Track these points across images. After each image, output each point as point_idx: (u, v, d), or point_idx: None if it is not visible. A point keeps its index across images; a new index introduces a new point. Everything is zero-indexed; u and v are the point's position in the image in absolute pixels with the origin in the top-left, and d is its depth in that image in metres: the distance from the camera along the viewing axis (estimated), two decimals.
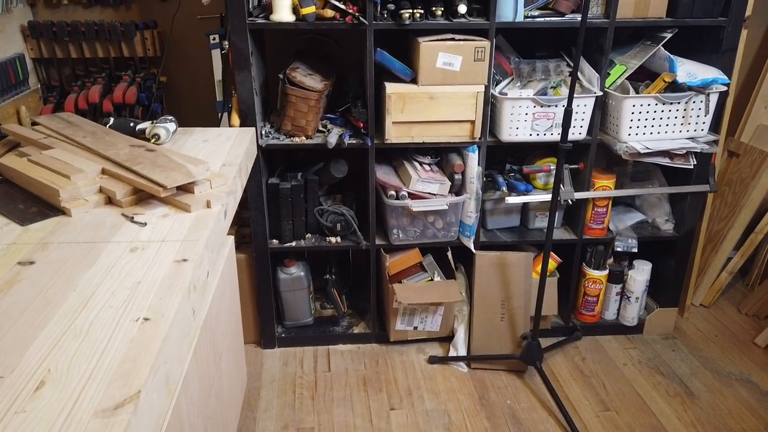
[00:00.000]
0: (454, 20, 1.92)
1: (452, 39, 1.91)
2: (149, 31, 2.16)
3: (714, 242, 2.58)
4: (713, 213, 2.58)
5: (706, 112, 1.94)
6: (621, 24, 1.95)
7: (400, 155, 2.21)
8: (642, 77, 2.16)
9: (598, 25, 1.95)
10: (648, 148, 1.97)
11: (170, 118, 1.62)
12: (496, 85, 2.11)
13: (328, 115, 2.14)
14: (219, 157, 1.50)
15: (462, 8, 1.89)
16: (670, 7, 1.96)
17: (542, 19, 1.94)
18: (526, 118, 2.01)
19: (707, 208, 2.43)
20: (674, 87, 1.99)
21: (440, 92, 1.96)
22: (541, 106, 1.99)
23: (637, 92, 2.04)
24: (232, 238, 1.51)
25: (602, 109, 2.07)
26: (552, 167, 2.21)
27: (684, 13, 1.95)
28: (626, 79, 2.06)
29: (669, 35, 1.97)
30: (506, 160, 2.33)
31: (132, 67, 2.21)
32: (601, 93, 2.00)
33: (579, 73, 2.07)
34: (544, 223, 2.33)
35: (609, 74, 2.04)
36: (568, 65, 2.10)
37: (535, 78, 2.05)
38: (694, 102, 1.98)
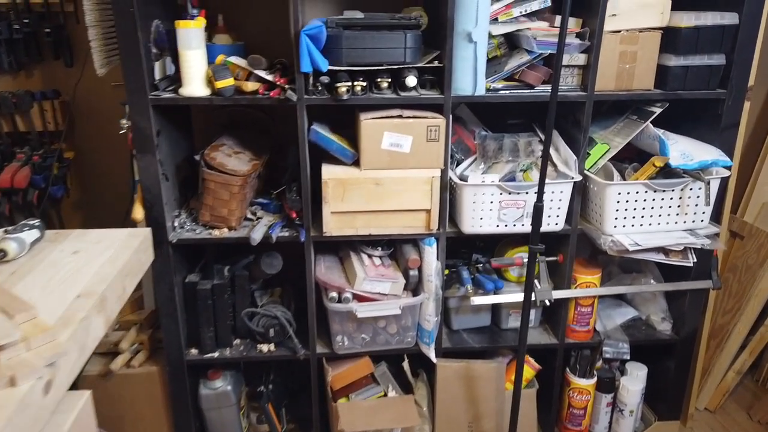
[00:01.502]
0: (402, 94, 1.61)
1: (399, 116, 1.60)
2: (49, 101, 1.84)
3: (719, 338, 2.23)
4: (717, 304, 2.24)
5: (707, 203, 1.62)
6: (601, 97, 1.64)
7: (347, 245, 1.87)
8: (630, 154, 1.85)
9: (573, 98, 1.64)
10: (637, 244, 1.64)
11: (32, 223, 1.28)
12: (457, 165, 1.79)
13: (260, 200, 1.81)
14: (79, 281, 1.15)
15: (411, 80, 1.58)
16: (659, 77, 1.66)
17: (507, 92, 1.63)
18: (491, 207, 1.68)
19: (710, 302, 2.08)
20: (668, 170, 1.67)
21: (388, 177, 1.63)
22: (509, 194, 1.66)
23: (623, 176, 1.72)
24: (87, 394, 1.14)
25: (583, 193, 1.75)
26: (526, 259, 1.86)
27: (675, 85, 1.65)
28: (610, 159, 1.75)
29: (658, 110, 1.66)
30: (474, 248, 1.99)
31: (31, 142, 1.88)
32: (579, 177, 1.67)
33: (554, 152, 1.76)
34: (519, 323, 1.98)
35: (589, 154, 1.73)
36: (542, 141, 1.79)
37: (501, 159, 1.73)
38: (691, 189, 1.66)
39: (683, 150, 1.67)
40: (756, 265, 2.14)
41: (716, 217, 1.78)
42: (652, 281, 1.96)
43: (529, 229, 1.70)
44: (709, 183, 1.59)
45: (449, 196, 1.72)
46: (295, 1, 1.46)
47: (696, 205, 1.67)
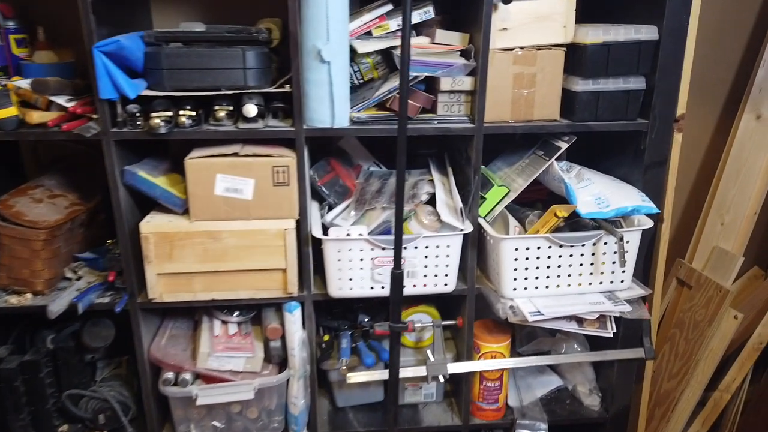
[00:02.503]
0: (242, 126, 1.28)
1: (235, 154, 1.27)
2: None
3: (664, 406, 1.89)
4: (661, 365, 1.91)
5: (622, 263, 1.29)
6: (493, 130, 1.33)
7: (202, 307, 1.53)
8: (542, 195, 1.54)
9: (457, 132, 1.33)
10: (540, 313, 1.31)
11: None
12: (329, 210, 1.46)
13: (86, 255, 1.47)
14: None
15: (250, 109, 1.26)
16: (566, 105, 1.35)
17: (372, 126, 1.31)
18: (361, 265, 1.35)
19: (653, 365, 1.76)
20: (577, 221, 1.35)
21: (227, 230, 1.31)
22: (382, 249, 1.34)
23: (523, 225, 1.40)
24: None
25: (479, 246, 1.42)
26: (420, 323, 1.54)
27: (585, 115, 1.34)
28: (516, 202, 1.43)
29: (564, 146, 1.35)
30: (369, 305, 1.65)
31: None
32: (469, 228, 1.35)
33: (446, 195, 1.44)
34: (419, 398, 1.64)
35: (485, 199, 1.41)
36: (444, 176, 1.47)
37: (377, 204, 1.40)
38: (606, 243, 1.34)
39: (598, 194, 1.35)
40: (705, 322, 1.82)
41: (644, 274, 1.46)
42: (576, 346, 1.64)
43: (413, 291, 1.39)
44: (622, 239, 1.27)
45: (314, 251, 1.39)
46: (86, 7, 1.14)
47: (614, 262, 1.35)
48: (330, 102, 1.27)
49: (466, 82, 1.31)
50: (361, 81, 1.40)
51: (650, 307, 1.54)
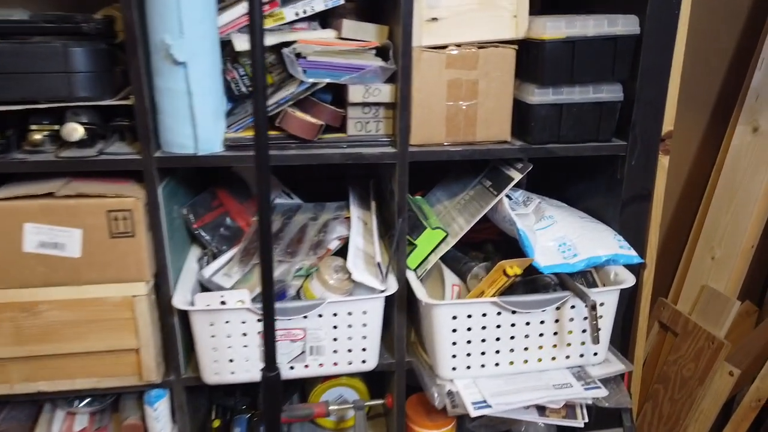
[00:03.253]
0: (64, 155, 0.91)
1: (50, 195, 0.90)
2: None
3: None
4: (642, 428, 1.59)
5: (595, 339, 0.95)
6: (422, 156, 0.98)
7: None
8: (492, 234, 1.20)
9: (373, 159, 0.97)
10: (485, 404, 0.97)
11: None
12: (213, 259, 1.10)
13: None
14: None
15: (72, 131, 0.88)
16: (519, 123, 1.01)
17: (253, 152, 0.95)
18: (245, 342, 0.98)
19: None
20: (536, 277, 1.01)
21: (47, 300, 0.93)
22: None
23: (465, 281, 1.06)
24: None
25: (410, 305, 1.07)
26: (340, 401, 1.17)
27: (543, 135, 1.00)
28: (458, 247, 1.08)
29: (518, 176, 1.00)
30: None
31: None
32: (393, 288, 1.00)
33: (364, 244, 1.09)
34: None
35: (414, 245, 1.06)
36: (367, 211, 1.11)
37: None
38: (573, 307, 1.00)
39: (563, 237, 1.02)
40: (694, 380, 1.51)
41: (624, 336, 1.13)
42: (540, 423, 1.30)
43: (319, 372, 1.04)
44: (595, 306, 0.93)
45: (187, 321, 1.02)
46: None
47: (583, 330, 1.01)
48: (191, 119, 0.90)
49: (384, 92, 0.96)
50: (250, 89, 1.04)
51: (629, 380, 1.22)
